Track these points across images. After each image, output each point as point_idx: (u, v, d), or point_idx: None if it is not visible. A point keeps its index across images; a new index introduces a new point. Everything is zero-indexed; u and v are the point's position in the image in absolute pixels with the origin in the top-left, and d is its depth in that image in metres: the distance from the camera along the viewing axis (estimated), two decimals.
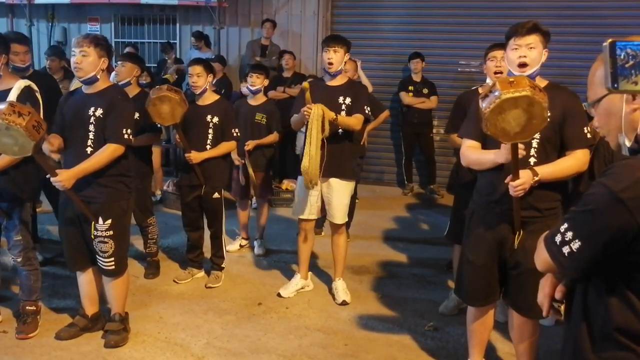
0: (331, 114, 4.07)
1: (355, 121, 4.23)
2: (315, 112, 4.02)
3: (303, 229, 4.53)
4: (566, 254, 1.51)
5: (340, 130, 4.25)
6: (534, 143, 2.89)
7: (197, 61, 4.73)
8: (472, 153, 3.07)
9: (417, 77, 7.84)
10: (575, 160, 2.88)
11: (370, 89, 7.04)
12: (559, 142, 2.90)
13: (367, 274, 5.06)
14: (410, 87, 7.81)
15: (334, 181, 4.32)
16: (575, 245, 1.49)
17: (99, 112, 3.45)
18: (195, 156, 4.52)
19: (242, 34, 9.04)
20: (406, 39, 8.32)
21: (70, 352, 3.61)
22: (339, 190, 4.35)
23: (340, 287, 4.52)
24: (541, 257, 1.61)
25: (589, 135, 2.90)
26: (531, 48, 2.86)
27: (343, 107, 4.25)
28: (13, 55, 4.63)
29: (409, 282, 4.95)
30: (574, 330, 1.62)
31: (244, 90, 6.68)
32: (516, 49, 2.88)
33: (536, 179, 2.77)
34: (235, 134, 4.68)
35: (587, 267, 1.52)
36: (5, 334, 3.80)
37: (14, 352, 3.60)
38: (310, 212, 4.41)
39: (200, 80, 4.59)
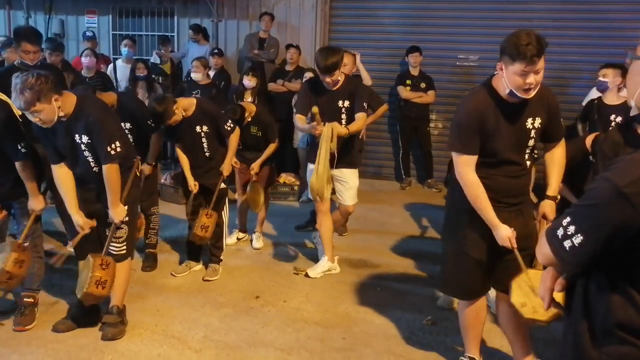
0: (342, 131, 4.36)
1: (361, 122, 4.54)
2: (325, 134, 4.29)
3: (319, 211, 4.76)
4: (567, 248, 1.50)
5: (344, 125, 4.46)
6: (527, 150, 3.02)
7: (156, 114, 4.43)
8: (476, 196, 2.93)
9: (414, 71, 7.82)
10: (563, 153, 3.13)
11: (369, 82, 7.04)
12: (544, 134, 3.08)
13: (364, 267, 5.05)
14: (408, 81, 7.78)
15: (344, 170, 4.66)
16: (577, 239, 1.47)
17: (85, 138, 3.46)
18: (226, 169, 4.71)
19: (240, 26, 8.99)
20: (404, 33, 8.29)
21: (68, 344, 3.60)
22: (349, 177, 4.70)
23: (320, 265, 4.78)
24: (543, 251, 1.61)
25: (563, 125, 3.18)
26: (538, 72, 2.75)
27: (343, 110, 4.49)
28: (23, 53, 4.61)
29: (406, 275, 4.95)
30: (574, 324, 1.61)
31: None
32: (524, 74, 2.72)
33: (557, 201, 3.07)
34: (230, 127, 4.67)
35: (588, 262, 1.51)
36: (2, 325, 3.79)
37: (11, 344, 3.59)
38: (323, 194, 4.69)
39: (178, 115, 4.47)
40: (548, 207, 3.10)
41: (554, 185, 3.11)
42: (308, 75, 6.80)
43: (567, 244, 1.50)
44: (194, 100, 4.66)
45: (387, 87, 8.12)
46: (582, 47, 7.53)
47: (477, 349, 3.35)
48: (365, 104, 4.56)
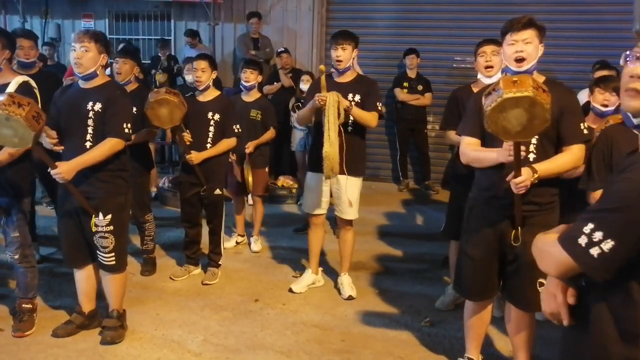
0: (345, 102, 4.09)
1: (369, 116, 4.21)
2: (331, 99, 4.03)
3: (313, 224, 4.58)
4: (596, 256, 1.44)
5: (350, 127, 4.23)
6: (533, 139, 2.91)
7: (202, 56, 4.71)
8: (472, 151, 3.07)
9: (412, 73, 7.84)
10: (571, 156, 2.91)
11: None
12: (556, 137, 2.93)
13: (363, 269, 5.07)
14: (405, 84, 7.80)
15: (343, 178, 4.30)
16: (607, 245, 1.42)
17: (98, 106, 3.44)
18: (196, 157, 4.49)
19: (237, 30, 9.01)
20: (401, 35, 8.31)
21: (67, 349, 3.61)
22: (350, 187, 4.34)
23: (346, 282, 4.54)
24: (556, 261, 1.55)
25: (585, 131, 2.94)
26: (527, 43, 2.88)
27: (353, 103, 4.21)
28: (18, 49, 4.61)
29: (405, 277, 4.96)
30: (594, 336, 1.55)
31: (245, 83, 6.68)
32: (512, 44, 2.90)
33: (536, 176, 2.79)
34: (236, 130, 4.68)
35: (620, 266, 1.45)
36: (1, 331, 3.79)
37: (10, 349, 3.59)
38: (320, 207, 4.49)
39: (204, 75, 4.57)
40: (525, 173, 2.78)
41: (544, 163, 2.87)
42: (305, 78, 6.82)
43: (594, 251, 1.44)
44: (219, 92, 4.77)
45: (384, 90, 8.11)
46: (576, 48, 7.55)
47: (477, 351, 3.37)
48: (379, 105, 4.30)
